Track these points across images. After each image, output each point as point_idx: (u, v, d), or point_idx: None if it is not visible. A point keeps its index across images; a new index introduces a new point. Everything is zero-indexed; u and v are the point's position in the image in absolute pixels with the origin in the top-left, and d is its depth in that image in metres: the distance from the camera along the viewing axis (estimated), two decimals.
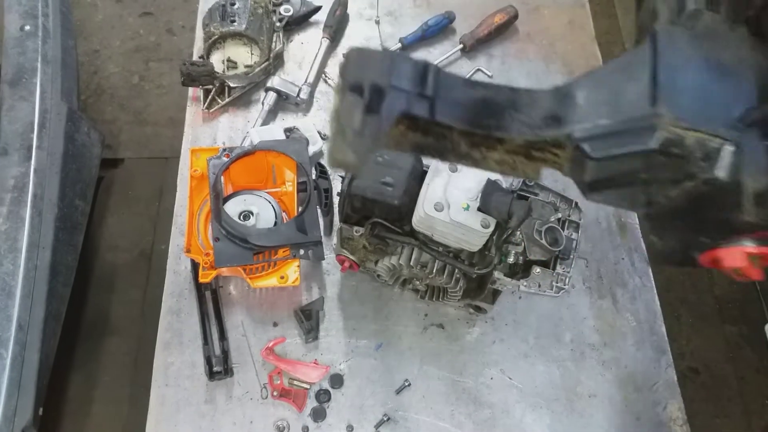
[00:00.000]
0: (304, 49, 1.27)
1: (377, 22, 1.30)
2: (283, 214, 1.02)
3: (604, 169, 0.42)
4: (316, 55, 1.24)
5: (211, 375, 0.98)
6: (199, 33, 1.25)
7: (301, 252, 0.93)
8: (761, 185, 0.37)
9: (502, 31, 1.28)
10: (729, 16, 0.40)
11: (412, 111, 0.43)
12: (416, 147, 0.46)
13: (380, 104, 0.41)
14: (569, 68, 1.28)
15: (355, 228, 0.91)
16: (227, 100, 1.18)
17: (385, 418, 0.97)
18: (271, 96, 1.18)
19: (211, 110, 1.18)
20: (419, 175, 0.93)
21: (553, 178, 0.59)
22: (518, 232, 0.83)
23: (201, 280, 0.96)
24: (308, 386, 0.98)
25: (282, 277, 0.94)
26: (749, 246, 0.39)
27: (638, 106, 0.39)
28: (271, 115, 1.19)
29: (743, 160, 0.37)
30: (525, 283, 0.84)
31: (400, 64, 0.43)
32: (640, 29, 0.47)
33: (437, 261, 0.90)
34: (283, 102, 1.20)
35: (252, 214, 0.99)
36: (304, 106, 1.21)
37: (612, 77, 0.43)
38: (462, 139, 0.45)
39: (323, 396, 0.98)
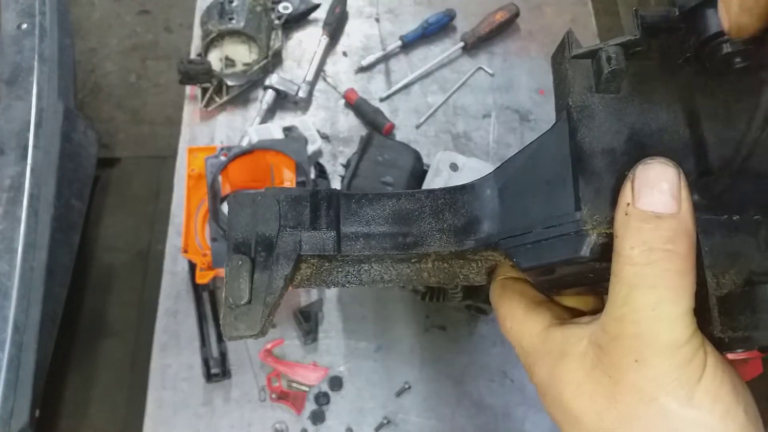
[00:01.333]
0: (303, 47, 1.26)
1: (377, 20, 1.29)
2: None
3: (544, 275, 0.36)
4: (315, 53, 1.23)
5: (209, 377, 0.97)
6: (197, 31, 1.24)
7: None
8: (725, 287, 0.30)
9: (503, 28, 1.27)
10: (665, 58, 0.33)
11: (312, 252, 0.36)
12: (331, 280, 0.39)
13: (270, 257, 0.35)
14: None
15: None
16: (225, 98, 1.17)
17: (385, 421, 0.96)
18: (270, 94, 1.17)
19: (208, 109, 1.17)
20: (419, 175, 0.92)
21: None
22: None
23: (198, 280, 0.95)
24: (307, 388, 0.97)
25: None
26: (735, 353, 0.32)
27: (562, 207, 0.31)
28: (269, 114, 1.18)
29: (703, 248, 0.30)
30: None
31: (287, 200, 0.36)
32: (558, 102, 0.36)
33: None
34: (282, 100, 1.19)
35: None
36: (303, 104, 1.19)
37: (532, 169, 0.35)
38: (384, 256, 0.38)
39: (322, 398, 0.97)
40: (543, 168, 0.34)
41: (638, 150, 0.31)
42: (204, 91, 1.17)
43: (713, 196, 0.30)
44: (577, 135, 0.32)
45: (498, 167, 0.39)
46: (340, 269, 0.38)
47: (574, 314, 0.38)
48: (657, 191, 0.28)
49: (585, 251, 0.31)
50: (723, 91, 0.33)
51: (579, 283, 0.37)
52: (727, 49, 0.31)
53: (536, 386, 0.36)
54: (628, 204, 0.29)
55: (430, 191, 0.39)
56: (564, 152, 0.32)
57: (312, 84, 1.21)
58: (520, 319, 0.37)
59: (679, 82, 0.33)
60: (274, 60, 1.22)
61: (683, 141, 0.32)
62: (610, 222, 0.30)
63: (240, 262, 0.35)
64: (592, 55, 0.33)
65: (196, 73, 1.13)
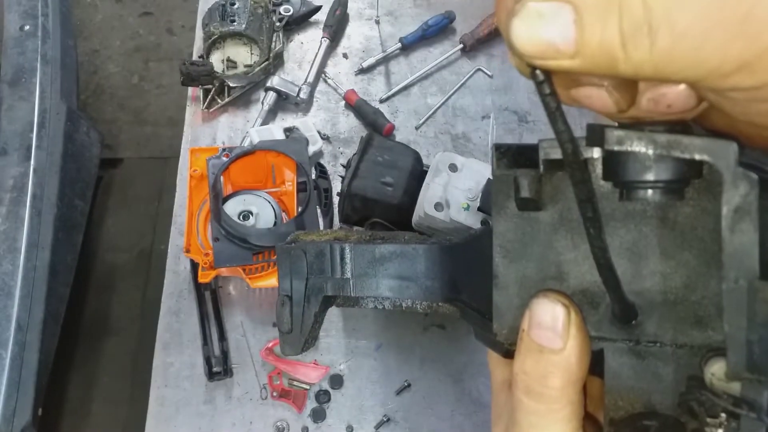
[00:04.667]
0: (304, 49, 1.27)
1: (377, 22, 1.30)
2: (283, 214, 1.01)
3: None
4: (316, 55, 1.24)
5: (211, 375, 0.97)
6: (199, 33, 1.25)
7: None
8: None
9: None
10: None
11: (334, 293, 0.42)
12: (362, 305, 0.46)
13: (304, 299, 0.43)
14: None
15: (355, 228, 0.91)
16: (227, 99, 1.18)
17: (385, 419, 0.97)
18: (271, 96, 1.18)
19: (210, 110, 1.18)
20: (419, 175, 0.92)
21: None
22: None
23: (200, 280, 0.95)
24: (308, 387, 0.98)
25: None
26: None
27: (489, 306, 0.34)
28: (270, 115, 1.19)
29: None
30: None
31: (312, 253, 0.42)
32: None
33: None
34: (283, 102, 1.20)
35: (251, 214, 0.99)
36: (304, 105, 1.21)
37: (479, 256, 0.37)
38: None
39: (323, 396, 0.98)
40: (483, 260, 0.35)
41: (552, 272, 0.31)
42: (206, 92, 1.18)
43: (624, 325, 0.31)
44: (494, 248, 0.32)
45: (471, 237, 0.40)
46: (364, 301, 0.44)
47: None
48: (542, 327, 0.29)
49: (502, 353, 0.34)
50: (639, 219, 0.31)
51: None
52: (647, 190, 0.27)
53: None
54: (524, 330, 0.30)
55: (426, 248, 0.41)
56: (488, 259, 0.33)
57: (313, 85, 1.22)
58: (495, 362, 0.39)
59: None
60: (275, 62, 1.23)
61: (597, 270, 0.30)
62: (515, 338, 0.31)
63: (283, 301, 0.43)
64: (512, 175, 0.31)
65: (198, 75, 1.14)
